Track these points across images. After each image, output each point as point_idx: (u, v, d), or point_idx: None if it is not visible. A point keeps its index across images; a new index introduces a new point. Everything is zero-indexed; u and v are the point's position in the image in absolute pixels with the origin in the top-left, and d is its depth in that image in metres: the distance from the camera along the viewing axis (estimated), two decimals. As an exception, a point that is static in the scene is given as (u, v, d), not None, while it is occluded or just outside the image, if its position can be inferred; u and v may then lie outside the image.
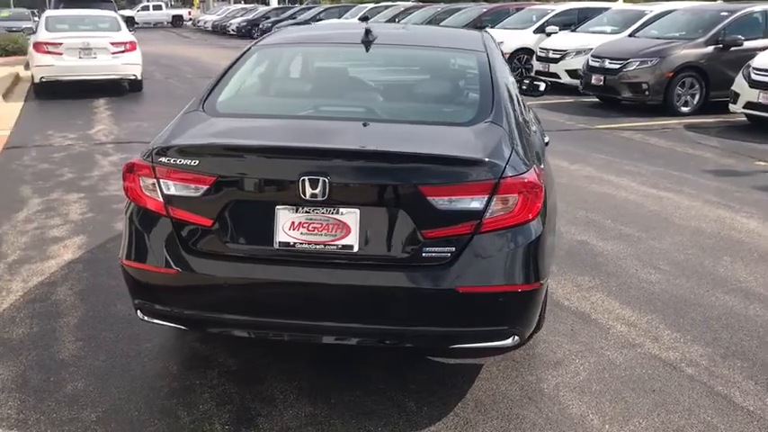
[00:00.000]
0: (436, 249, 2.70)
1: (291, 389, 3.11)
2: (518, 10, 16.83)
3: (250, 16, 36.51)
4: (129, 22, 47.83)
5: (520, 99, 3.65)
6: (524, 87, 4.56)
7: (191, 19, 50.76)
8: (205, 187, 2.73)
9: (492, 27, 14.52)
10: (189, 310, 2.83)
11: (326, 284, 2.71)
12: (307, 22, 24.17)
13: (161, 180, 2.76)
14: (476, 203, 2.69)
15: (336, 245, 2.71)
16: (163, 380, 3.21)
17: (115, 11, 16.72)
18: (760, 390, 3.15)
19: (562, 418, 2.94)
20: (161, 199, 2.77)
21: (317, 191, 2.65)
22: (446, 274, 2.69)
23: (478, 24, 14.32)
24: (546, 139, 4.26)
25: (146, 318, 2.91)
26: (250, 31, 32.87)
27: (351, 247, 2.71)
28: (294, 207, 2.70)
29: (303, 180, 2.64)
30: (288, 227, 2.71)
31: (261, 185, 2.76)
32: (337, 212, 2.70)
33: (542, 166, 3.11)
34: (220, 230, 2.76)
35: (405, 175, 2.69)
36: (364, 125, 3.04)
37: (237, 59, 3.69)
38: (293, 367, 3.27)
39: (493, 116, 3.05)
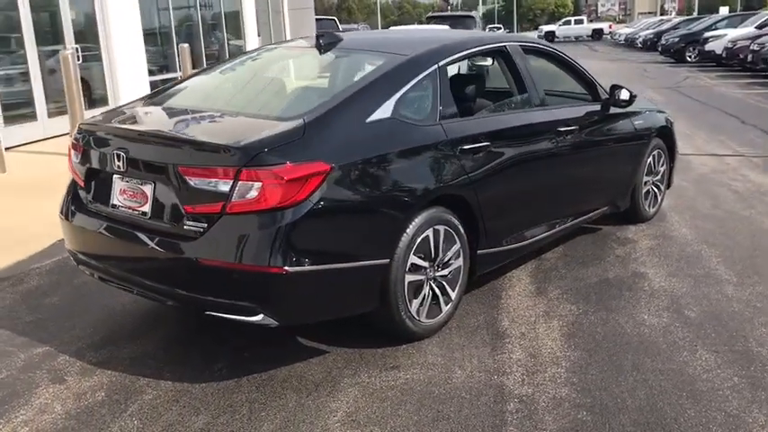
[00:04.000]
0: (193, 223, 3.01)
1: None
2: None
3: (661, 28, 34.87)
4: (550, 36, 50.15)
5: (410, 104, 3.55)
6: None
7: (610, 32, 50.52)
8: (79, 155, 3.53)
9: None
10: (75, 252, 3.65)
11: (132, 244, 3.25)
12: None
13: (72, 150, 3.66)
14: (223, 186, 2.92)
15: (139, 211, 3.23)
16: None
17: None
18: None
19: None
20: (70, 165, 3.67)
21: (120, 163, 3.23)
22: (197, 246, 2.98)
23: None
24: None
25: (70, 255, 3.83)
26: (654, 44, 31.53)
27: (146, 214, 3.20)
28: (121, 176, 3.31)
29: (113, 154, 3.25)
30: (118, 192, 3.33)
31: (101, 157, 3.43)
32: (142, 183, 3.22)
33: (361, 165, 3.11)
34: (87, 191, 3.53)
35: (170, 156, 3.09)
36: (195, 115, 3.53)
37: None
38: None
39: (311, 115, 3.16)
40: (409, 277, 3.36)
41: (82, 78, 8.67)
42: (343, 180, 3.06)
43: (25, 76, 9.35)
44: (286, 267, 2.89)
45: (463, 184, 3.61)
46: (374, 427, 2.81)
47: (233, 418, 2.87)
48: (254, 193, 2.88)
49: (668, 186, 5.88)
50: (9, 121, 8.99)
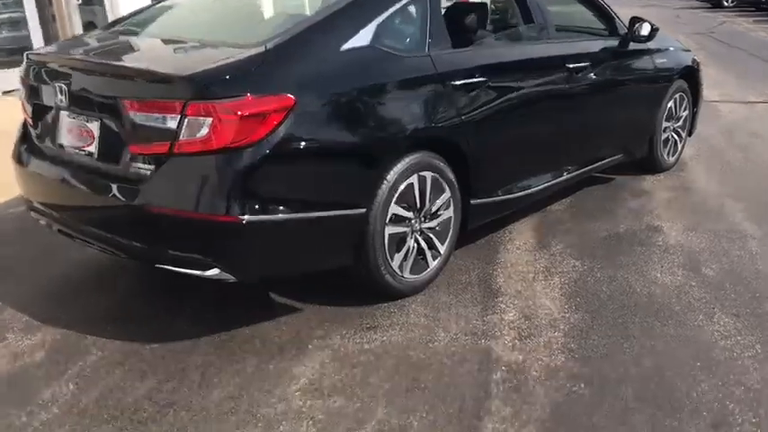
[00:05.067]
0: (140, 166, 2.65)
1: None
2: None
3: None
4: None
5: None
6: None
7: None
8: (27, 90, 3.16)
9: None
10: (29, 199, 3.31)
11: (79, 189, 2.89)
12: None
13: (21, 85, 3.28)
14: (170, 123, 2.54)
15: (86, 151, 2.87)
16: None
17: None
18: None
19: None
20: (21, 102, 3.30)
21: (63, 97, 2.85)
22: (143, 191, 2.62)
23: None
24: None
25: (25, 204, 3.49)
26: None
27: (93, 155, 2.83)
28: (68, 112, 2.94)
29: (58, 87, 2.87)
30: (66, 130, 2.97)
31: (48, 91, 3.04)
32: (88, 120, 2.85)
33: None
34: (36, 130, 3.16)
35: (115, 88, 2.71)
36: (150, 43, 3.17)
37: None
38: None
39: (274, 41, 2.75)
40: (390, 229, 2.99)
41: (89, 21, 8.25)
42: (311, 117, 2.67)
43: (22, 21, 8.95)
44: (243, 216, 2.53)
45: (455, 126, 3.20)
46: (338, 397, 2.48)
47: (181, 384, 2.55)
48: (204, 131, 2.50)
49: (690, 134, 5.40)
50: (5, 65, 8.63)
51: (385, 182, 2.92)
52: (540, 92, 3.76)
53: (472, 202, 3.41)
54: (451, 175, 3.23)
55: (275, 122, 2.56)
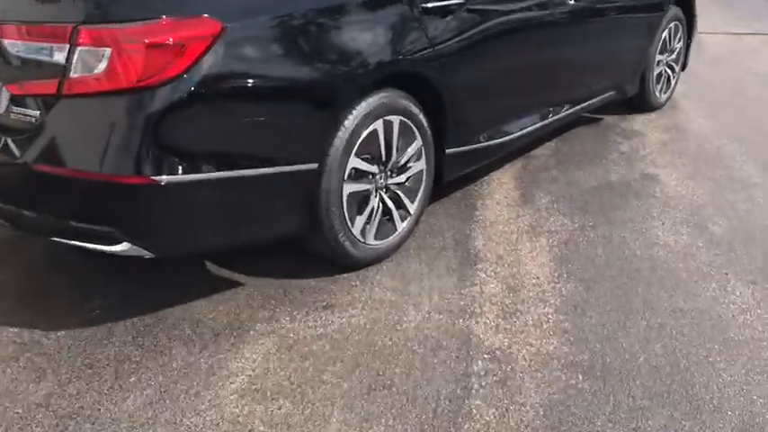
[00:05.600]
0: (23, 112, 2.07)
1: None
2: None
3: None
4: None
5: None
6: None
7: None
8: None
9: None
10: None
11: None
12: None
13: None
14: (57, 55, 1.96)
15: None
16: None
17: None
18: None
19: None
20: None
21: None
22: (29, 145, 2.05)
23: None
24: None
25: None
26: None
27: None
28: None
29: None
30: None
31: None
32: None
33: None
34: None
35: None
36: None
37: None
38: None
39: None
40: (349, 187, 2.47)
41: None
42: (245, 47, 2.10)
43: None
44: (157, 177, 1.98)
45: (426, 59, 2.65)
46: (284, 400, 2.00)
47: (88, 386, 2.05)
48: (101, 66, 1.93)
49: (683, 68, 4.90)
50: None
51: (342, 129, 2.38)
52: (525, 19, 3.21)
53: (447, 150, 2.89)
54: (423, 120, 2.70)
55: (197, 54, 1.99)
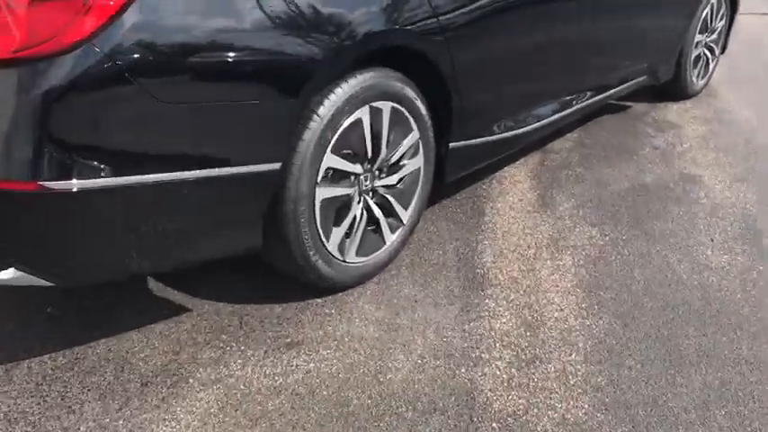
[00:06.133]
0: None
1: None
2: None
3: None
4: None
5: None
6: None
7: None
8: None
9: None
10: None
11: None
12: None
13: None
14: None
15: None
16: None
17: None
18: None
19: None
20: None
21: None
22: None
23: None
24: None
25: None
26: None
27: None
28: None
29: None
30: None
31: None
32: None
33: None
34: None
35: None
36: None
37: None
38: None
39: None
40: (324, 191, 1.93)
41: None
42: (178, 6, 1.55)
43: None
44: (52, 182, 1.44)
45: (428, 31, 2.09)
46: (220, 492, 1.48)
47: (-43, 465, 1.53)
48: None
49: (723, 50, 4.31)
50: None
51: (314, 118, 1.83)
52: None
53: (451, 145, 2.35)
54: (422, 107, 2.15)
55: (109, 13, 1.44)
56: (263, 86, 1.70)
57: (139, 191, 1.56)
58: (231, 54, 1.62)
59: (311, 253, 1.94)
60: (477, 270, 2.27)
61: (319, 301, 2.08)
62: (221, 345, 1.89)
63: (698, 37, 3.89)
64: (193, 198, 1.66)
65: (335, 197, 1.98)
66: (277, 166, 1.78)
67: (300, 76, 1.75)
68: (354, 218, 2.06)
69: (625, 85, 3.46)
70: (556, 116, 2.94)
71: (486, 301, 2.12)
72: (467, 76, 2.27)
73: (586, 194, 2.84)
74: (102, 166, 1.50)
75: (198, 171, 1.64)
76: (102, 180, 1.50)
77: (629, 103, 3.89)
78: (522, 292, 2.16)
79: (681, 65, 3.85)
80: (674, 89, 3.96)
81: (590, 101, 3.19)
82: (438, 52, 2.14)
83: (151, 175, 1.57)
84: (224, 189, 1.71)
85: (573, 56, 2.95)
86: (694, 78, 4.02)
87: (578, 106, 3.10)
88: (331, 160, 1.91)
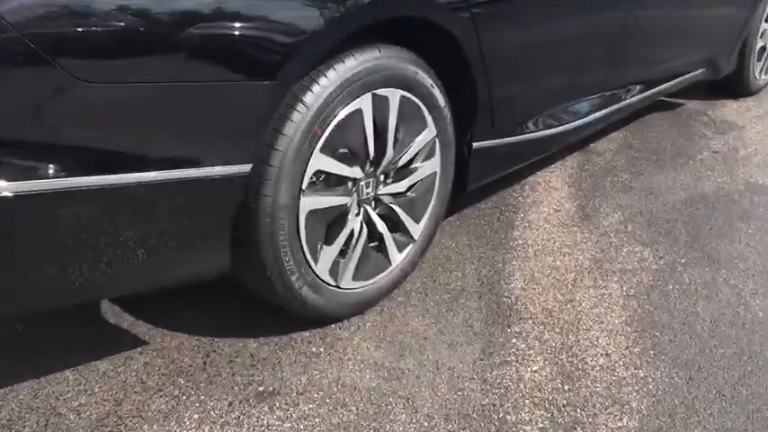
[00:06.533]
0: None
1: None
2: None
3: None
4: None
5: None
6: None
7: None
8: None
9: None
10: None
11: None
12: None
13: None
14: None
15: None
16: None
17: None
18: None
19: None
20: None
21: None
22: None
23: None
24: None
25: None
26: None
27: None
28: None
29: None
30: None
31: None
32: None
33: None
34: None
35: None
36: None
37: None
38: None
39: None
40: (311, 201, 1.52)
41: None
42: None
43: None
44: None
45: (453, 5, 1.67)
46: None
47: None
48: None
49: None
50: None
51: (299, 108, 1.43)
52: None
53: (476, 144, 1.93)
54: (441, 97, 1.73)
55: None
56: (226, 63, 1.29)
57: (89, 196, 1.18)
58: (181, 18, 1.21)
59: (293, 278, 1.54)
60: (504, 298, 1.85)
61: (306, 335, 1.68)
62: (176, 392, 1.50)
63: (764, 25, 3.41)
64: (141, 208, 1.27)
65: (327, 208, 1.57)
66: (246, 168, 1.38)
67: (279, 52, 1.35)
68: (351, 233, 1.65)
69: (679, 80, 3.01)
70: (599, 113, 2.52)
71: (514, 340, 1.70)
72: (497, 60, 1.85)
73: (635, 206, 2.40)
74: (42, 167, 1.12)
75: (149, 173, 1.25)
76: (38, 184, 1.12)
77: (680, 101, 3.43)
78: (558, 330, 1.74)
79: (743, 57, 3.39)
80: (733, 85, 3.50)
81: (638, 96, 2.76)
82: (463, 29, 1.72)
83: (101, 176, 1.18)
84: (177, 197, 1.31)
85: (620, 44, 2.51)
86: (757, 73, 3.55)
87: (625, 102, 2.67)
88: (321, 162, 1.50)
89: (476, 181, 2.02)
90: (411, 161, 1.75)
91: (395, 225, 1.77)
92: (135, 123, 1.22)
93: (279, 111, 1.41)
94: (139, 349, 1.62)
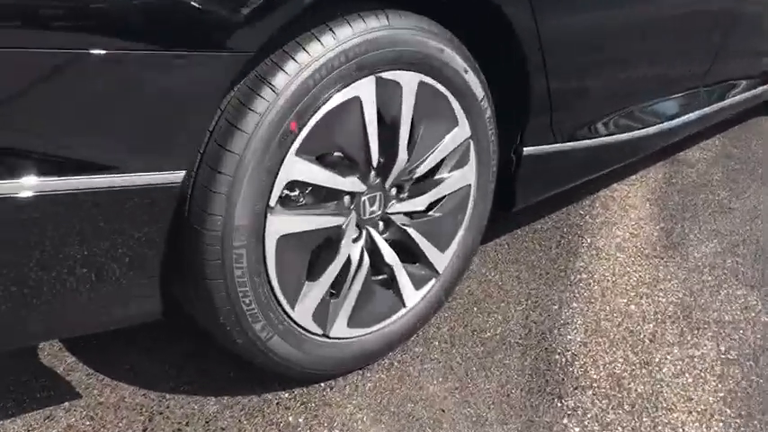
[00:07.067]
0: None
1: None
2: None
3: None
4: None
5: None
6: None
7: None
8: None
9: None
10: None
11: None
12: None
13: None
14: None
15: None
16: None
17: None
18: None
19: None
20: None
21: None
22: None
23: None
24: None
25: None
26: None
27: None
28: None
29: None
30: None
31: None
32: None
33: None
34: None
35: None
36: None
37: None
38: None
39: None
40: (284, 221, 1.11)
41: None
42: None
43: None
44: None
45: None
46: None
47: None
48: None
49: None
50: None
51: (265, 93, 1.01)
52: None
53: (527, 150, 1.47)
54: (478, 84, 1.29)
55: None
56: (147, 26, 0.89)
57: None
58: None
59: (256, 326, 1.13)
60: (557, 356, 1.39)
61: (284, 396, 1.27)
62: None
63: None
64: (38, 224, 0.88)
65: (309, 231, 1.15)
66: (179, 175, 0.97)
67: (230, 13, 0.93)
68: (347, 264, 1.23)
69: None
70: (692, 115, 2.02)
71: (565, 421, 1.23)
72: (558, 43, 1.39)
73: (737, 233, 1.88)
74: None
75: (53, 179, 0.86)
76: None
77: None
78: (627, 408, 1.26)
79: None
80: None
81: (738, 97, 2.26)
82: (518, 13, 1.27)
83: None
84: (101, 211, 0.92)
85: (723, 29, 2.00)
86: None
87: (722, 104, 2.18)
88: (297, 169, 1.08)
89: (526, 198, 1.56)
90: (434, 170, 1.31)
91: (411, 254, 1.33)
92: (55, 117, 0.83)
93: (233, 96, 1.00)
94: (66, 405, 1.24)
